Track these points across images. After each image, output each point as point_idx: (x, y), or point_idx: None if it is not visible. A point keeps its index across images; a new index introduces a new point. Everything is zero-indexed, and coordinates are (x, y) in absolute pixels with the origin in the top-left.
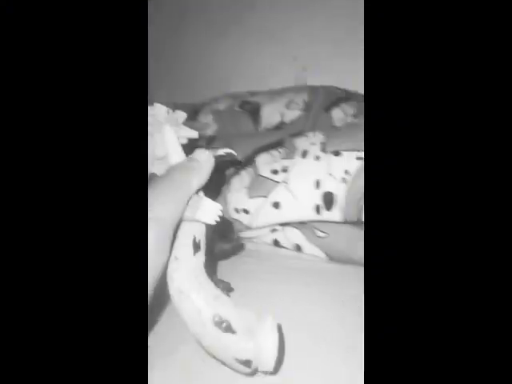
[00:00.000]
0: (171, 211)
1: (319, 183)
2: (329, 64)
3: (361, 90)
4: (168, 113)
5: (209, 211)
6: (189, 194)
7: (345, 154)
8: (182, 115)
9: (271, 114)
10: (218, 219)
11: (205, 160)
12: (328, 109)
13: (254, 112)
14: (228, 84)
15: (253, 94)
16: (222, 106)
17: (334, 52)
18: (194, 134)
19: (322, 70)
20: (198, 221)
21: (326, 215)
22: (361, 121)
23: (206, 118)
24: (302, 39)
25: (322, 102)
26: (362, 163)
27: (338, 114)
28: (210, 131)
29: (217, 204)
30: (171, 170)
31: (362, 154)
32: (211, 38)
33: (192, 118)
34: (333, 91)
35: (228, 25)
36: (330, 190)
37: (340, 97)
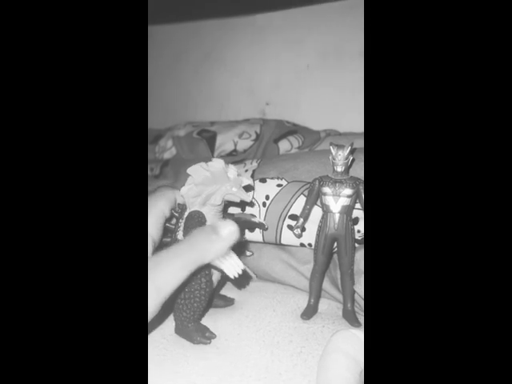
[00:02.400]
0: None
1: (245, 206)
2: (287, 99)
3: (309, 123)
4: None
5: (233, 265)
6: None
7: (269, 181)
8: (245, 181)
9: (225, 142)
10: (237, 276)
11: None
12: (277, 140)
13: (210, 139)
14: (195, 113)
15: (213, 123)
16: (182, 133)
17: (292, 88)
18: (247, 198)
19: (281, 104)
20: (220, 269)
21: (249, 235)
22: (299, 150)
23: (166, 143)
24: (266, 77)
25: (272, 134)
26: (279, 189)
27: (285, 145)
28: (169, 155)
29: (241, 263)
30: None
31: (282, 182)
32: (184, 71)
33: (153, 142)
34: (283, 125)
35: (201, 60)
36: (253, 213)
37: (289, 130)
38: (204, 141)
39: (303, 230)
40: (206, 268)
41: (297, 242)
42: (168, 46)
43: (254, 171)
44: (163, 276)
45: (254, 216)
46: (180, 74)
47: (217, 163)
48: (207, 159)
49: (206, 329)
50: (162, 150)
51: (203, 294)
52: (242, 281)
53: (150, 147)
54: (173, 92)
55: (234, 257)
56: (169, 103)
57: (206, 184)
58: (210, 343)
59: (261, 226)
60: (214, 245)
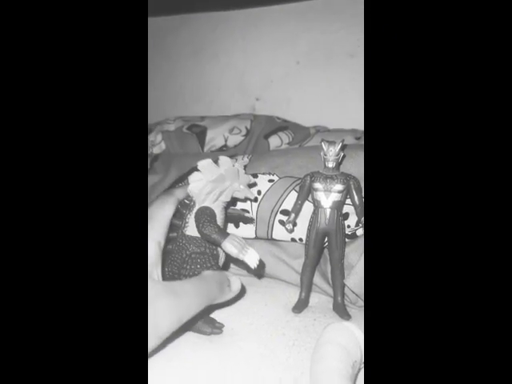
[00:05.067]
0: None
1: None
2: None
3: (299, 119)
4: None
5: (253, 257)
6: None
7: (260, 176)
8: (252, 179)
9: (216, 137)
10: (256, 266)
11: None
12: (267, 136)
13: (200, 134)
14: (184, 107)
15: (203, 118)
16: (172, 127)
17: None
18: (251, 195)
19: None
20: (242, 260)
21: (242, 230)
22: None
23: (156, 137)
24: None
25: (262, 129)
26: (271, 184)
27: (275, 141)
28: (159, 149)
29: (257, 254)
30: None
31: (273, 177)
32: (174, 65)
33: None
34: (273, 120)
35: (191, 53)
36: (246, 208)
37: (279, 126)
38: (194, 136)
39: (295, 224)
40: None
41: (288, 237)
42: (157, 38)
43: (245, 166)
44: (185, 308)
45: (246, 211)
46: (170, 67)
47: (226, 161)
48: (195, 154)
49: (213, 320)
50: (152, 144)
51: None
52: (260, 271)
53: None
54: (162, 86)
55: (251, 249)
56: (158, 97)
57: (220, 181)
58: (222, 332)
59: (251, 220)
60: (224, 295)
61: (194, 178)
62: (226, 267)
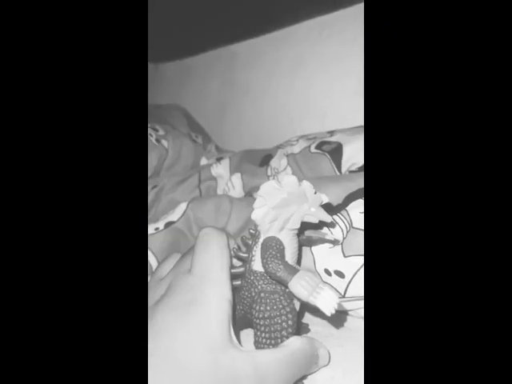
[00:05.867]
0: None
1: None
2: None
3: None
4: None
5: (328, 301)
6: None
7: None
8: (325, 198)
9: (356, 154)
10: (334, 312)
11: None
12: None
13: (334, 153)
14: (301, 125)
15: (331, 132)
16: (296, 149)
17: None
18: (328, 219)
19: None
20: (314, 305)
21: None
22: None
23: (279, 163)
24: None
25: None
26: None
27: None
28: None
29: (335, 295)
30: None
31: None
32: (280, 79)
33: (263, 164)
34: None
35: (295, 65)
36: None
37: None
38: (326, 155)
39: None
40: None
41: None
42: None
43: None
44: None
45: (325, 233)
46: (273, 87)
47: (290, 181)
48: (336, 178)
49: None
50: (276, 172)
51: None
52: (341, 317)
53: (259, 170)
54: (267, 106)
55: (326, 289)
56: (264, 120)
57: (283, 206)
58: None
59: (335, 242)
60: (310, 371)
61: (257, 203)
62: (302, 312)
